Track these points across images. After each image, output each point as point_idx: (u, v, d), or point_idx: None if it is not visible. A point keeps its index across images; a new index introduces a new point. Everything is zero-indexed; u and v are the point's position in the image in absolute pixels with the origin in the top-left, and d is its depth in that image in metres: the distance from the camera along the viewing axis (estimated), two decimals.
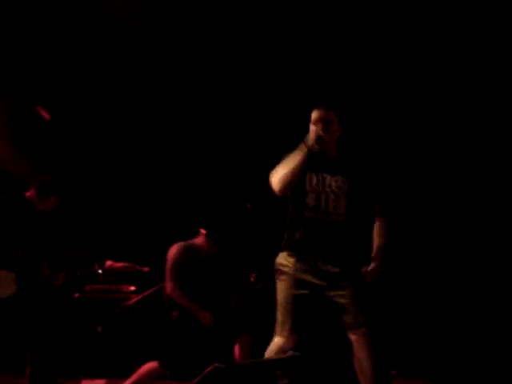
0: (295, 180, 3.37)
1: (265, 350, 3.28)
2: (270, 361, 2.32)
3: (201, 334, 4.32)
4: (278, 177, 3.37)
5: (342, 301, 3.28)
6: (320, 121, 3.46)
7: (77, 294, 5.93)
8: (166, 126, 6.65)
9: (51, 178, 4.45)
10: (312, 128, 3.47)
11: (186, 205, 6.41)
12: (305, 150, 3.31)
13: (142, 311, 5.66)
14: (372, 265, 3.42)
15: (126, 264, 5.90)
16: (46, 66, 6.62)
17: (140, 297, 5.38)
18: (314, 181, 3.48)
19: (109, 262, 5.97)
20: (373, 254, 3.49)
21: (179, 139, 6.65)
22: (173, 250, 4.55)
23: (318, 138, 3.32)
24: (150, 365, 4.22)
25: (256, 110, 6.42)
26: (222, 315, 4.50)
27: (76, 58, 6.44)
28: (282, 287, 3.40)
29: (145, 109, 6.66)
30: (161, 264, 4.60)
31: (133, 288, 5.78)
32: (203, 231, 4.65)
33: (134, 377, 4.22)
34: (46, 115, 6.97)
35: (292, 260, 3.41)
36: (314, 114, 3.52)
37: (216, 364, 2.08)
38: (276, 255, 3.52)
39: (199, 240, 4.67)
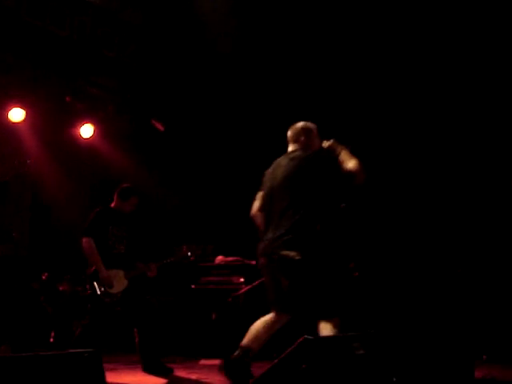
0: None
1: None
2: (350, 335, 2.79)
3: None
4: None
5: None
6: None
7: (193, 286, 6.72)
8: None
9: (128, 184, 5.38)
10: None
11: None
12: None
13: (251, 300, 6.24)
14: None
15: (235, 258, 6.61)
16: (158, 81, 7.43)
17: (249, 287, 5.96)
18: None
19: (220, 257, 6.73)
20: None
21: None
22: None
23: None
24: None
25: None
26: None
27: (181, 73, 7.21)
28: None
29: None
30: None
31: (242, 279, 6.42)
32: None
33: None
34: (160, 127, 7.78)
35: None
36: None
37: (305, 336, 2.58)
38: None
39: None
